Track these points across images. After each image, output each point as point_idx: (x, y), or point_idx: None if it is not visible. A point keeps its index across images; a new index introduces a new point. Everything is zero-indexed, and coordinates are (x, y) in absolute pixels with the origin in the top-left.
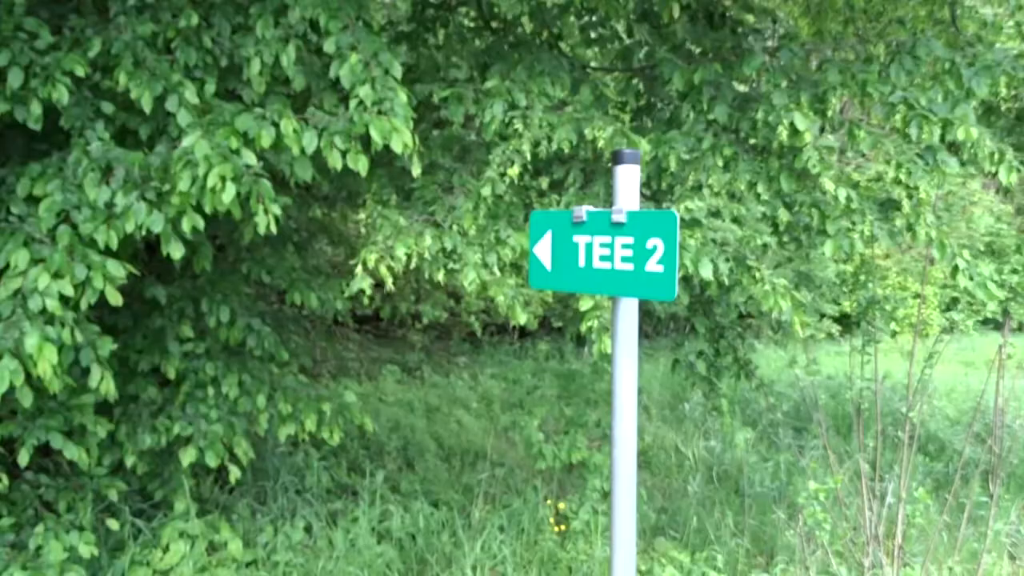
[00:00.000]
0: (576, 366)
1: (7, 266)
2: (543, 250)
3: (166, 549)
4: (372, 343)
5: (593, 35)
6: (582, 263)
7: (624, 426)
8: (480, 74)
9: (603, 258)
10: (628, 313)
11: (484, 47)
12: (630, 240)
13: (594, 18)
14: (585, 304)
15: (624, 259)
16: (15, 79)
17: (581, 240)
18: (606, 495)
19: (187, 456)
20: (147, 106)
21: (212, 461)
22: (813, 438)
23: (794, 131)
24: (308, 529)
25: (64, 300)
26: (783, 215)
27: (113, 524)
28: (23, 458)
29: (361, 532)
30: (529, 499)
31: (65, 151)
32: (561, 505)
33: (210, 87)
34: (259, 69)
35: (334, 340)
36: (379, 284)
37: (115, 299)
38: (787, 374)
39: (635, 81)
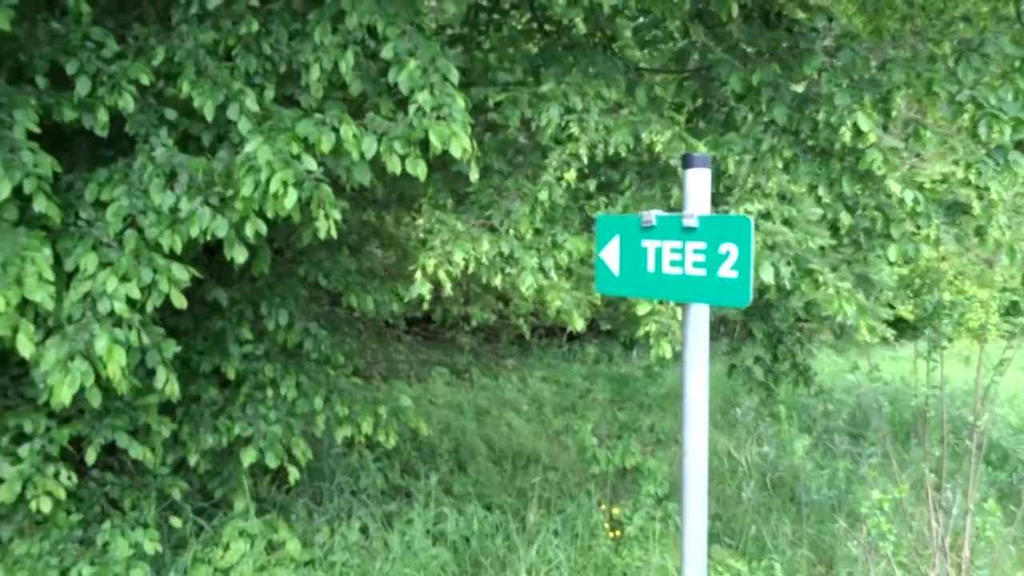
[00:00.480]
0: (625, 369)
1: (77, 269)
2: (611, 255)
3: (226, 547)
4: (421, 345)
5: (647, 36)
6: (651, 268)
7: (695, 433)
8: (533, 77)
9: (673, 263)
10: (699, 319)
11: (538, 50)
12: (702, 245)
13: (647, 19)
14: (643, 308)
15: (696, 264)
16: (83, 87)
17: (650, 245)
18: (660, 500)
19: (248, 456)
20: (209, 114)
21: (272, 462)
22: (870, 445)
23: (857, 132)
24: (364, 530)
25: (131, 303)
26: (845, 218)
27: (176, 522)
28: (90, 456)
29: (416, 534)
30: (583, 504)
31: (130, 157)
32: (615, 510)
33: (269, 93)
34: (318, 75)
35: (384, 342)
36: (434, 287)
37: (180, 302)
38: (842, 380)
39: (688, 83)
